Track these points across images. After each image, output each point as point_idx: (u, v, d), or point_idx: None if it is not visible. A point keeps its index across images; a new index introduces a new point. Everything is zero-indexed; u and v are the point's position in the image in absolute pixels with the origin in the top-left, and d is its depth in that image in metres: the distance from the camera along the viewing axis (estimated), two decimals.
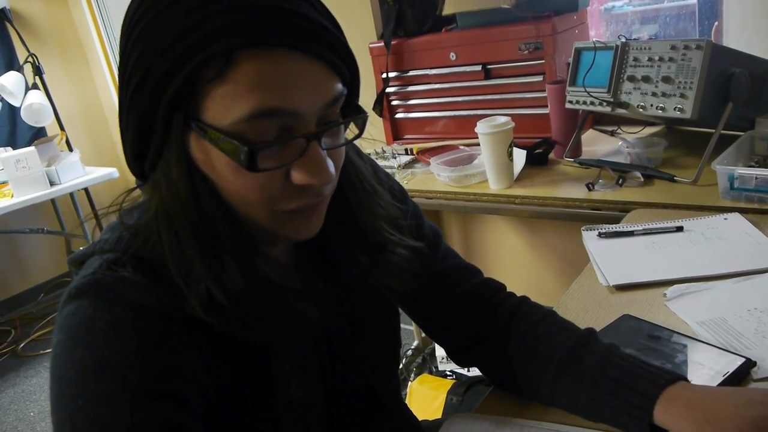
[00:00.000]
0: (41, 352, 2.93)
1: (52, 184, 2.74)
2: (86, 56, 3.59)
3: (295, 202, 0.56)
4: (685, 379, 0.62)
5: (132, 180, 0.61)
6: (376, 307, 0.74)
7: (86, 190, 3.05)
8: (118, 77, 0.55)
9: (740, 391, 0.63)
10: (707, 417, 0.57)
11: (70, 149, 3.09)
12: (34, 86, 2.99)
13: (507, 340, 0.74)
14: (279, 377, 0.62)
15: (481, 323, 0.77)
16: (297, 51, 0.50)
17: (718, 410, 0.57)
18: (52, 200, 3.21)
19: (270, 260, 0.59)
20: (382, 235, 0.67)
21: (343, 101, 0.56)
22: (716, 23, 1.85)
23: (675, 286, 0.90)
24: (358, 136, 0.60)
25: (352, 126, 0.59)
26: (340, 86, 0.55)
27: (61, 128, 3.18)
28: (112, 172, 2.93)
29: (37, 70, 3.01)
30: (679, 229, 1.07)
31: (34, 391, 2.63)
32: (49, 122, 3.04)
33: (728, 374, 0.69)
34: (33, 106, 2.91)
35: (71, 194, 2.99)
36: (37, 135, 3.22)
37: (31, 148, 2.67)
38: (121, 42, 0.54)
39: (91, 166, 3.01)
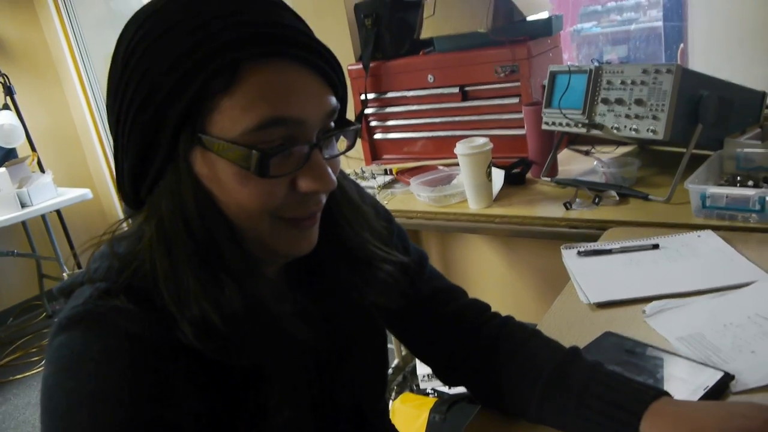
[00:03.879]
0: (11, 378, 2.84)
1: (23, 205, 2.69)
2: (59, 76, 3.55)
3: (296, 210, 0.58)
4: (668, 395, 0.64)
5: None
6: (364, 327, 0.74)
7: (58, 212, 3.00)
8: (112, 103, 0.55)
9: (721, 404, 0.65)
10: (691, 430, 0.59)
11: (42, 170, 3.04)
12: (5, 107, 2.95)
13: (494, 359, 0.75)
14: (270, 400, 0.62)
15: (468, 343, 0.78)
16: (298, 62, 0.54)
17: (702, 423, 0.59)
18: (23, 222, 3.15)
19: (264, 281, 0.59)
20: (369, 249, 0.68)
21: (337, 114, 0.59)
22: (681, 45, 1.92)
23: (653, 302, 0.92)
24: (350, 147, 0.63)
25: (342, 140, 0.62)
26: (335, 99, 0.58)
27: (33, 149, 3.13)
28: (85, 193, 2.89)
29: (8, 90, 2.97)
30: (655, 246, 1.10)
31: (3, 420, 2.55)
32: (20, 143, 3.00)
33: (708, 388, 0.71)
34: (4, 126, 2.86)
35: (43, 216, 2.94)
36: (7, 156, 3.15)
37: (2, 170, 2.62)
38: (116, 67, 0.54)
39: (64, 187, 2.97)
